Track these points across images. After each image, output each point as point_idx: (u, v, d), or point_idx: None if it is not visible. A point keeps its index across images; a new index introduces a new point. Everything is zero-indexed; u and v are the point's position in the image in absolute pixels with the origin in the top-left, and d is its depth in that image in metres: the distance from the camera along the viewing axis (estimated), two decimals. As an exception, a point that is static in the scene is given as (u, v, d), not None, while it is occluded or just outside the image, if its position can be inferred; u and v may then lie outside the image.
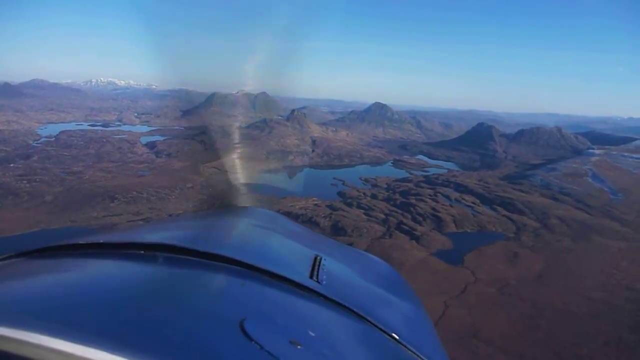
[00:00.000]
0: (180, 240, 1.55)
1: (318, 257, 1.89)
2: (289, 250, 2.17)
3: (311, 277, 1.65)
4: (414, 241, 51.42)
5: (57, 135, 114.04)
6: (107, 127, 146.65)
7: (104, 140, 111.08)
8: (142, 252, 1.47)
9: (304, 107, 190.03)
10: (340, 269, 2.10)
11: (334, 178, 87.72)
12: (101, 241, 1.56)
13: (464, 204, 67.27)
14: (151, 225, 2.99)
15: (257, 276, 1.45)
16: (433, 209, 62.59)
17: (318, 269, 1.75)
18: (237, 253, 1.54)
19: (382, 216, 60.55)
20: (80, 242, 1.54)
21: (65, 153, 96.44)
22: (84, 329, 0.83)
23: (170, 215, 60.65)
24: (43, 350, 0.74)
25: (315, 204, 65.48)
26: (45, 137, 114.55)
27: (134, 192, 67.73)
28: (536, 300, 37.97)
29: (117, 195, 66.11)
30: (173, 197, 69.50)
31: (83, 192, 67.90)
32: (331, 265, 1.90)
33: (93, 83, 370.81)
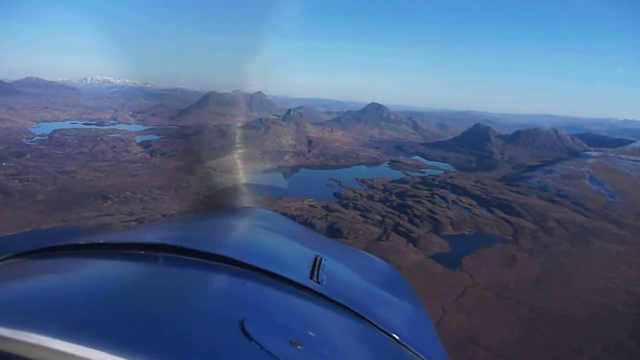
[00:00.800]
0: (180, 241, 1.55)
1: (318, 257, 1.87)
2: (289, 251, 2.16)
3: (311, 277, 1.65)
4: (410, 244, 50.76)
5: (51, 133, 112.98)
6: (101, 125, 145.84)
7: (98, 139, 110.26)
8: (142, 252, 1.48)
9: (300, 107, 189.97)
10: (341, 269, 2.10)
11: (330, 179, 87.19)
12: (101, 241, 1.57)
13: (461, 205, 66.48)
14: (151, 226, 3.03)
15: (257, 276, 1.46)
16: (430, 210, 61.98)
17: (318, 269, 1.74)
18: (237, 253, 1.55)
19: (379, 218, 59.85)
20: (81, 242, 1.54)
21: (58, 152, 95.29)
22: (84, 330, 0.83)
23: (165, 216, 60.18)
24: (43, 350, 0.74)
25: (311, 205, 64.70)
26: (39, 135, 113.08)
27: (127, 192, 66.88)
28: (535, 305, 37.46)
29: (109, 195, 65.27)
30: (167, 197, 68.51)
31: (75, 191, 67.03)
32: (331, 265, 1.89)
33: (88, 81, 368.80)
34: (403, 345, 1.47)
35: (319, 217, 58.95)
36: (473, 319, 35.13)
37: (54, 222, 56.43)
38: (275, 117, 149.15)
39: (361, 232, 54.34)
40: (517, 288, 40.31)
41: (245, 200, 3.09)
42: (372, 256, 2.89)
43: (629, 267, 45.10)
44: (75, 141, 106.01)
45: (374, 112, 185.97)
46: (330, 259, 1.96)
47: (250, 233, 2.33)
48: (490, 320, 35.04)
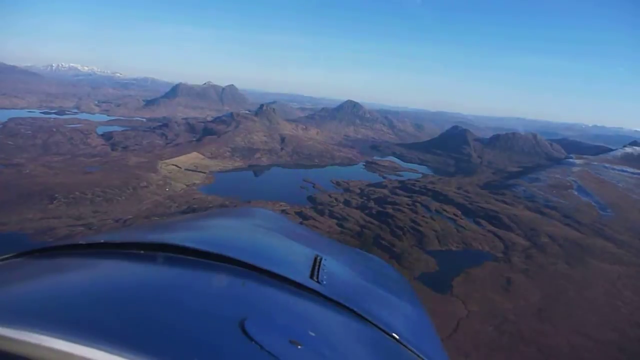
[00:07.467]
0: (180, 240, 1.58)
1: (318, 257, 1.90)
2: (289, 250, 2.17)
3: (311, 277, 1.68)
4: (394, 260, 44.97)
5: (5, 122, 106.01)
6: (62, 114, 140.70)
7: (55, 129, 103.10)
8: (143, 252, 1.51)
9: (273, 102, 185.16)
10: (341, 269, 2.11)
11: (304, 180, 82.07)
12: (102, 241, 1.60)
13: (445, 215, 61.44)
14: (152, 225, 3.04)
15: (257, 276, 1.49)
16: (413, 221, 56.68)
17: (318, 269, 1.77)
18: (237, 253, 1.58)
19: (358, 228, 54.25)
20: (81, 242, 1.58)
21: (9, 142, 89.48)
22: (84, 329, 0.84)
23: (117, 221, 53.82)
24: (43, 350, 0.74)
25: (283, 210, 58.20)
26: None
27: (77, 192, 59.49)
28: (541, 343, 32.31)
29: (57, 195, 57.96)
30: (123, 198, 61.91)
31: (20, 188, 59.49)
32: (331, 265, 1.92)
33: (53, 67, 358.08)
34: (403, 345, 1.50)
35: (292, 225, 52.97)
36: (472, 363, 29.88)
37: (-9, 226, 49.09)
38: (247, 112, 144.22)
39: (339, 245, 48.60)
40: (517, 320, 35.22)
41: None
42: (372, 256, 2.96)
43: (633, 293, 40.87)
44: (29, 131, 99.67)
45: (350, 110, 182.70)
46: (331, 259, 1.98)
47: (250, 233, 2.32)
48: (493, 364, 29.88)
